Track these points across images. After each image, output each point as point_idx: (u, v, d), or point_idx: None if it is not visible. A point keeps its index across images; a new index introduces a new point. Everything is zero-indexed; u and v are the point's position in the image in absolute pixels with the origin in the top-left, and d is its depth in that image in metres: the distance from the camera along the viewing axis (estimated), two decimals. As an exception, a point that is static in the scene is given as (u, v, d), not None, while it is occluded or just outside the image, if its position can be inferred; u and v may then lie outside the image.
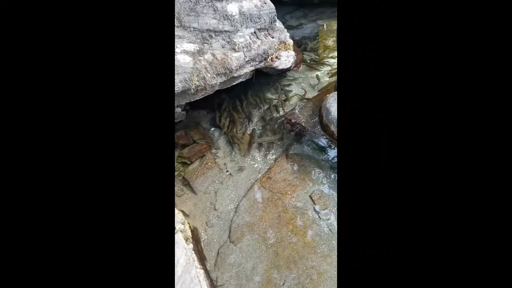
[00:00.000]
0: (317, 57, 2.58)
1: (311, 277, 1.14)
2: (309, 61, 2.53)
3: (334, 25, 3.16)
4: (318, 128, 1.64)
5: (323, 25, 3.18)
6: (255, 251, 1.25)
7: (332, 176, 1.50)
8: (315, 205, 1.38)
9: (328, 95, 1.70)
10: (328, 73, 2.30)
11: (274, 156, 1.71)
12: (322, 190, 1.44)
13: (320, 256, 1.19)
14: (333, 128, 1.50)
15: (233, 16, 1.64)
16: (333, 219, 1.31)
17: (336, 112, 1.52)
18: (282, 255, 1.21)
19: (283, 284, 1.14)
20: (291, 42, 2.28)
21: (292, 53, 2.28)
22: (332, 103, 1.58)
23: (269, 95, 2.18)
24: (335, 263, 1.15)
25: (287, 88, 2.21)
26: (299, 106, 1.94)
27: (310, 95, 2.07)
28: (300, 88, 2.22)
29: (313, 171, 1.55)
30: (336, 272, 1.12)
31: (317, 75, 2.28)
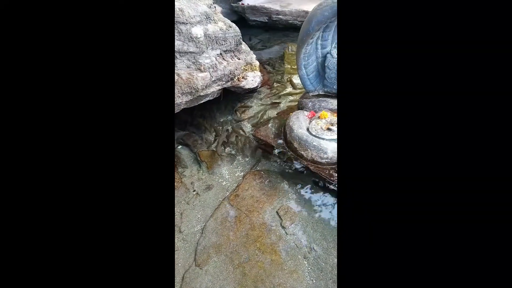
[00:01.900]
0: (282, 78, 2.72)
1: (278, 295, 1.13)
2: (274, 81, 2.66)
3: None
4: (283, 145, 1.70)
5: (288, 47, 3.39)
6: (222, 273, 1.21)
7: (299, 190, 1.55)
8: (282, 220, 1.40)
9: (291, 113, 1.79)
10: (291, 94, 2.42)
11: (242, 173, 1.73)
12: (289, 205, 1.47)
13: (286, 272, 1.19)
14: (296, 144, 1.57)
15: (198, 38, 1.69)
16: (300, 234, 1.33)
17: (299, 129, 1.60)
18: (250, 275, 1.19)
19: (251, 305, 1.11)
20: (257, 63, 2.39)
21: (259, 73, 2.39)
22: (295, 121, 1.66)
23: (229, 117, 2.22)
24: (302, 279, 1.16)
25: (252, 106, 2.28)
26: (266, 123, 2.00)
27: (275, 113, 2.16)
28: (265, 106, 2.30)
29: (279, 187, 1.59)
30: (302, 288, 1.14)
31: (279, 96, 2.40)
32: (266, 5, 3.73)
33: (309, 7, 3.43)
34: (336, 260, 1.21)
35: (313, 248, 1.26)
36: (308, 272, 1.18)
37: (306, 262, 1.22)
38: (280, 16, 3.65)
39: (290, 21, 3.61)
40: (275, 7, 3.69)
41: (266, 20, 3.81)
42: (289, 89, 2.50)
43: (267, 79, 2.63)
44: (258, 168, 1.74)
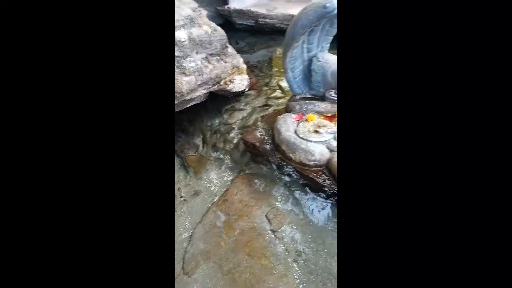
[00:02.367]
0: (270, 81, 2.73)
1: (268, 300, 1.12)
2: (262, 85, 2.66)
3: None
4: (272, 148, 1.70)
5: (275, 51, 3.41)
6: (211, 281, 1.19)
7: (288, 193, 1.54)
8: (271, 224, 1.39)
9: (279, 116, 1.79)
10: (279, 98, 2.44)
11: (231, 178, 1.71)
12: (278, 208, 1.47)
13: (277, 277, 1.18)
14: (284, 147, 1.56)
15: (182, 42, 1.67)
16: (288, 238, 1.33)
17: (286, 132, 1.60)
18: (239, 281, 1.17)
19: (241, 312, 1.09)
20: (244, 66, 2.38)
21: (246, 77, 2.38)
22: (282, 124, 1.66)
23: (216, 121, 2.21)
24: (292, 282, 1.15)
25: (240, 109, 2.28)
26: (254, 126, 2.00)
27: (263, 116, 2.15)
28: (253, 109, 2.30)
29: (268, 190, 1.58)
30: (292, 292, 1.13)
31: (267, 98, 2.41)
32: (253, 9, 3.75)
33: (295, 11, 3.47)
34: (326, 262, 1.21)
35: (303, 251, 1.26)
36: (298, 276, 1.17)
37: (296, 266, 1.21)
38: (267, 20, 3.68)
39: (277, 25, 3.64)
40: (262, 11, 3.71)
41: (253, 24, 3.83)
42: (277, 92, 2.51)
43: (255, 82, 2.63)
44: (247, 172, 1.73)
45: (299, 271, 1.19)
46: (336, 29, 1.64)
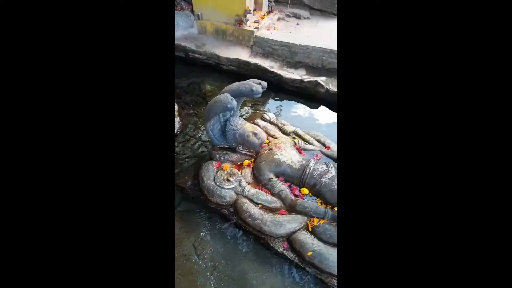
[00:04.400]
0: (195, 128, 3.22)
1: (193, 303, 1.76)
2: (194, 127, 3.17)
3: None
4: (197, 191, 2.31)
5: (203, 82, 3.91)
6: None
7: (209, 225, 2.19)
8: (196, 250, 2.02)
9: (203, 163, 2.40)
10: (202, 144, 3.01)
11: (166, 214, 2.24)
12: (202, 238, 2.10)
13: (199, 284, 1.83)
14: (206, 192, 2.19)
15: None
16: (208, 257, 1.98)
17: (207, 181, 2.23)
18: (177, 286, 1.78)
19: (175, 314, 1.70)
20: (176, 107, 2.86)
21: (177, 119, 2.88)
22: (205, 173, 2.29)
23: None
24: (207, 286, 1.82)
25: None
26: (185, 171, 2.55)
27: (192, 159, 2.72)
28: (183, 156, 2.83)
29: (195, 223, 2.19)
30: (209, 294, 1.79)
31: (195, 144, 2.96)
32: (182, 43, 4.15)
33: (221, 51, 4.05)
34: (232, 271, 1.92)
35: (216, 266, 1.94)
36: (213, 283, 1.85)
37: (212, 277, 1.89)
38: (196, 55, 4.15)
39: (205, 61, 4.16)
40: (191, 46, 4.16)
41: (184, 56, 4.24)
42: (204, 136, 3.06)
43: (186, 124, 3.14)
44: (179, 209, 2.29)
45: (213, 280, 1.87)
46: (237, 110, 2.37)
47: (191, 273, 1.89)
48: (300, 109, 3.56)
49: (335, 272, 1.72)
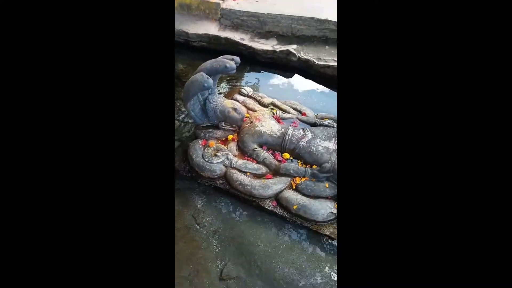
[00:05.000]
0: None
1: (199, 262, 2.03)
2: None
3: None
4: (188, 168, 2.47)
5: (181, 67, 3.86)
6: (165, 264, 1.99)
7: (203, 196, 2.40)
8: (196, 220, 2.25)
9: (190, 143, 2.54)
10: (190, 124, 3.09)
11: (162, 194, 2.42)
12: (199, 209, 2.33)
13: (203, 248, 2.08)
14: (197, 169, 2.36)
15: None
16: (207, 225, 2.23)
17: (197, 158, 2.39)
18: (182, 258, 2.03)
19: (188, 275, 1.97)
20: None
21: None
22: (193, 152, 2.43)
23: None
24: (212, 249, 2.08)
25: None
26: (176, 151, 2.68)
27: (178, 141, 2.84)
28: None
29: (191, 197, 2.40)
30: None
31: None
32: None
33: (188, 28, 3.94)
34: (230, 233, 2.18)
35: (216, 230, 2.20)
36: (215, 245, 2.12)
37: (213, 240, 2.15)
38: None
39: (174, 39, 4.04)
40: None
41: (151, 36, 4.08)
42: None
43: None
44: (176, 187, 2.47)
45: (215, 243, 2.13)
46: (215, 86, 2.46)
47: (194, 240, 2.14)
48: (275, 80, 3.68)
49: (318, 219, 2.04)
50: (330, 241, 2.08)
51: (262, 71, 3.76)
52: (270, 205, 2.18)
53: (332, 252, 2.05)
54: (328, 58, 3.42)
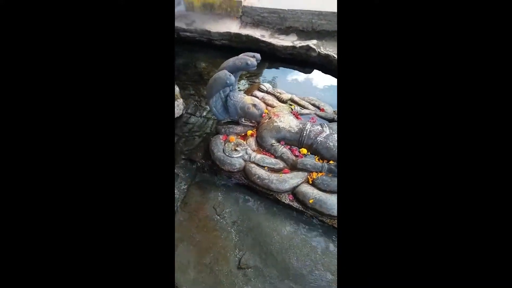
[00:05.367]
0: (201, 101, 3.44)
1: (219, 251, 2.16)
2: (197, 109, 3.38)
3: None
4: (210, 163, 2.60)
5: (197, 60, 4.02)
6: (188, 252, 2.14)
7: (224, 189, 2.52)
8: (216, 211, 2.38)
9: (211, 138, 2.67)
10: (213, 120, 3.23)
11: (186, 186, 2.58)
12: (220, 201, 2.45)
13: (223, 238, 2.20)
14: (218, 162, 2.49)
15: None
16: (227, 216, 2.35)
17: (218, 152, 2.51)
18: (204, 246, 2.17)
19: (209, 262, 2.10)
20: (177, 90, 3.05)
21: (180, 101, 3.09)
22: (214, 146, 2.56)
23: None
24: (231, 239, 2.20)
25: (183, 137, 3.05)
26: (197, 147, 2.83)
27: (201, 136, 2.98)
28: (193, 133, 3.09)
29: (213, 189, 2.53)
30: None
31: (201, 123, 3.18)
32: (173, 23, 4.16)
33: (211, 26, 4.07)
34: (249, 223, 2.28)
35: (235, 221, 2.31)
36: (234, 235, 2.23)
37: (232, 230, 2.26)
38: (187, 34, 4.19)
39: (197, 38, 4.20)
40: (181, 25, 4.17)
41: (175, 36, 4.27)
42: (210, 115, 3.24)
43: (188, 103, 3.34)
44: (197, 180, 2.62)
45: (234, 233, 2.24)
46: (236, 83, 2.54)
47: (215, 230, 2.27)
48: (295, 76, 3.69)
49: (333, 213, 2.06)
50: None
51: (279, 67, 3.79)
52: (286, 199, 2.25)
53: (348, 247, 2.06)
54: (349, 52, 3.35)
